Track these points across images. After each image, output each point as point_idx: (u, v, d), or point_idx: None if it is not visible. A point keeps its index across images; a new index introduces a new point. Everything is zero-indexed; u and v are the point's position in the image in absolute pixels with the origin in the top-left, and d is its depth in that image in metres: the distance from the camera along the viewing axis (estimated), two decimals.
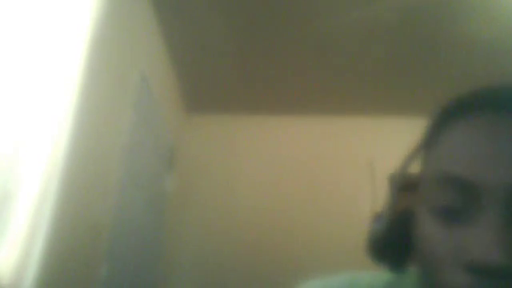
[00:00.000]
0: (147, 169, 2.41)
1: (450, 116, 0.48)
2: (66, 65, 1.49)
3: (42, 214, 1.35)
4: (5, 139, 1.20)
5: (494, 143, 0.43)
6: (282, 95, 3.01)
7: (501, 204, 0.41)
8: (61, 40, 1.46)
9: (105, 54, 1.77)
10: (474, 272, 0.40)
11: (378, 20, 2.32)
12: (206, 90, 3.00)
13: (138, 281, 2.33)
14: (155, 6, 2.29)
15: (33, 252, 1.31)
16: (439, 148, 0.47)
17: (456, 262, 0.42)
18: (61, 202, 1.43)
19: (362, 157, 3.00)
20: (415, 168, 0.54)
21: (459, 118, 0.47)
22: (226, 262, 2.81)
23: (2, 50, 1.19)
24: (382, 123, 3.09)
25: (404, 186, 0.55)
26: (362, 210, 2.86)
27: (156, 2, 2.27)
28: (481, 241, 0.40)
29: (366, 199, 2.92)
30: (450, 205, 0.43)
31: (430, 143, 0.49)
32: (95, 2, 1.68)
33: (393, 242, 0.53)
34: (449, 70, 2.68)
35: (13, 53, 1.23)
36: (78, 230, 1.58)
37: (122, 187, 2.00)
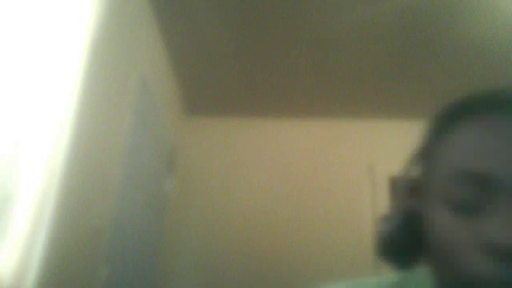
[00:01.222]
0: (147, 171, 2.42)
1: (456, 117, 0.51)
2: (66, 67, 1.49)
3: (42, 216, 1.35)
4: (5, 141, 1.20)
5: (503, 140, 0.46)
6: (282, 98, 3.02)
7: None
8: (61, 42, 1.46)
9: (105, 56, 1.77)
10: (494, 256, 0.44)
11: (379, 23, 2.32)
12: (206, 93, 3.00)
13: (138, 282, 2.33)
14: (155, 8, 2.30)
15: (33, 254, 1.31)
16: (450, 147, 0.50)
17: (476, 248, 0.45)
18: (61, 204, 1.43)
19: (362, 160, 3.00)
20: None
21: (467, 119, 0.50)
22: (226, 264, 2.81)
23: (2, 51, 1.19)
24: (383, 126, 3.10)
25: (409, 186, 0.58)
26: (362, 212, 2.86)
27: (156, 5, 2.28)
28: (500, 227, 0.43)
29: (366, 202, 2.92)
30: (468, 198, 0.46)
31: (436, 144, 0.52)
32: (95, 4, 1.68)
33: (402, 242, 0.56)
34: (450, 72, 2.68)
35: (13, 56, 1.23)
36: (79, 231, 1.58)
37: (122, 189, 2.00)
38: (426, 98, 2.94)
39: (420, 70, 2.70)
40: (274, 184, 3.02)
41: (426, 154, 0.54)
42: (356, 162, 3.01)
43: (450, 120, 0.52)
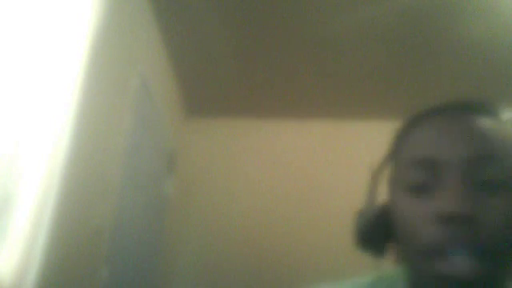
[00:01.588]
0: (147, 172, 2.42)
1: (416, 119, 0.63)
2: (66, 68, 1.50)
3: (42, 216, 1.35)
4: (5, 141, 1.20)
5: (450, 131, 0.57)
6: (282, 99, 3.02)
7: (459, 171, 0.54)
8: (61, 43, 1.46)
9: (105, 57, 1.77)
10: (443, 222, 0.52)
11: (379, 23, 2.32)
12: (206, 94, 3.00)
13: (138, 283, 2.33)
14: (155, 9, 2.30)
15: (33, 254, 1.31)
16: (409, 141, 0.61)
17: (430, 220, 0.54)
18: (61, 205, 1.43)
19: (363, 161, 3.00)
20: None
21: (424, 119, 0.62)
22: (226, 265, 2.81)
23: (3, 52, 1.19)
24: (384, 127, 3.09)
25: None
26: None
27: (156, 6, 2.28)
28: (446, 199, 0.53)
29: None
30: (421, 180, 0.56)
31: (400, 143, 0.63)
32: (95, 5, 1.68)
33: (374, 232, 0.64)
34: (449, 72, 2.69)
35: (13, 56, 1.23)
36: (79, 232, 1.58)
37: (121, 190, 2.00)
38: (427, 98, 2.93)
39: (420, 71, 2.71)
40: (274, 185, 3.02)
41: (393, 151, 0.64)
42: (356, 163, 3.00)
43: (410, 123, 0.64)
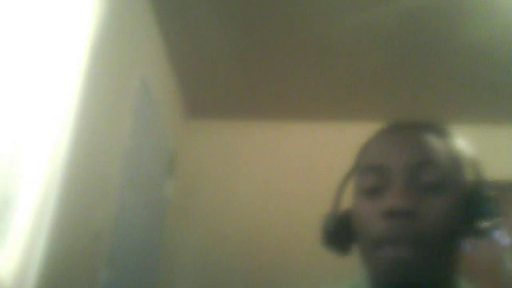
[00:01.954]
0: (147, 174, 2.42)
1: (374, 136, 0.74)
2: (66, 70, 1.50)
3: (42, 218, 1.35)
4: (6, 143, 1.21)
5: (397, 144, 0.68)
6: (282, 101, 3.02)
7: (403, 175, 0.65)
8: (61, 45, 1.47)
9: (105, 59, 1.78)
10: (388, 217, 0.62)
11: (380, 26, 2.33)
12: (206, 96, 3.01)
13: (138, 285, 2.33)
14: (156, 11, 2.30)
15: (33, 256, 1.31)
16: (366, 153, 0.72)
17: (378, 216, 0.64)
18: (61, 206, 1.43)
19: None
20: None
21: (379, 135, 0.73)
22: (227, 267, 2.81)
23: (3, 54, 1.20)
24: None
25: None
26: None
27: (157, 8, 2.29)
28: (391, 197, 0.63)
29: None
30: (373, 184, 0.67)
31: (361, 153, 0.74)
32: (95, 7, 1.69)
33: (338, 233, 0.74)
34: (448, 75, 2.69)
35: (14, 57, 1.23)
36: (79, 234, 1.58)
37: (122, 191, 2.00)
38: (426, 100, 2.94)
39: (420, 73, 2.71)
40: (274, 186, 3.02)
41: (356, 162, 0.75)
42: None
43: (369, 139, 0.74)
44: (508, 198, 3.02)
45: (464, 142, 0.73)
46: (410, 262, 0.61)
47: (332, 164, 3.11)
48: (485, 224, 0.65)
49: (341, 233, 0.73)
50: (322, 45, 2.49)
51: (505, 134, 3.10)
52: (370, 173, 0.68)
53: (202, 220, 2.97)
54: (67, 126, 1.49)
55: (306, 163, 3.08)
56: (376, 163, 0.68)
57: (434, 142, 0.68)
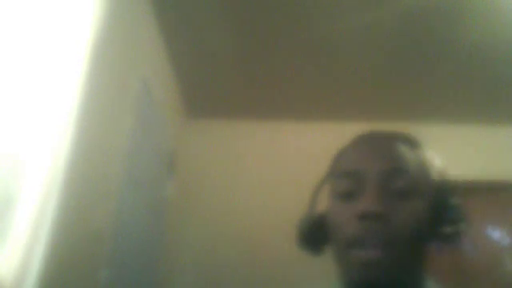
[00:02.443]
0: (148, 173, 2.42)
1: (345, 147, 0.79)
2: (67, 70, 1.50)
3: (43, 218, 1.36)
4: (7, 143, 1.21)
5: (371, 151, 0.73)
6: (283, 101, 3.02)
7: (376, 181, 0.69)
8: (62, 44, 1.47)
9: (106, 59, 1.78)
10: (361, 219, 0.66)
11: (380, 26, 2.33)
12: (207, 95, 3.01)
13: (139, 284, 2.33)
14: (157, 11, 2.30)
15: (34, 255, 1.31)
16: (341, 159, 0.77)
17: (352, 218, 0.68)
18: (62, 206, 1.43)
19: None
20: None
21: (353, 143, 0.78)
22: (227, 266, 2.81)
23: (3, 54, 1.20)
24: (384, 128, 3.09)
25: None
26: None
27: (157, 8, 2.29)
28: (365, 201, 0.67)
29: None
30: (348, 188, 0.71)
31: (336, 160, 0.79)
32: (96, 7, 1.69)
33: (312, 234, 0.78)
34: (449, 75, 2.69)
35: (15, 58, 1.24)
36: (80, 233, 1.59)
37: (122, 191, 2.00)
38: (426, 100, 2.94)
39: (420, 74, 2.71)
40: (274, 186, 3.02)
41: (331, 168, 0.80)
42: None
43: (344, 147, 0.79)
44: (507, 198, 3.02)
45: (432, 152, 0.78)
46: (381, 262, 0.64)
47: None
48: (449, 229, 0.69)
49: (315, 234, 0.78)
50: (322, 45, 2.49)
51: (505, 134, 3.10)
52: (345, 178, 0.72)
53: (202, 219, 2.97)
54: (68, 125, 1.49)
55: (306, 162, 3.08)
56: (351, 169, 0.72)
57: (405, 151, 0.73)
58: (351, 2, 2.20)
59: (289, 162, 3.09)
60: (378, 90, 2.86)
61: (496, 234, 2.85)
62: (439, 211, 0.70)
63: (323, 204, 0.77)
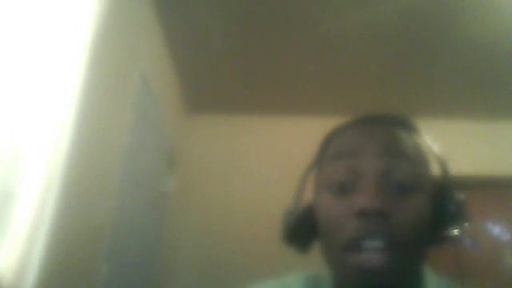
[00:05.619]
0: (148, 169, 2.42)
1: (340, 128, 0.72)
2: (66, 65, 1.50)
3: (43, 214, 1.36)
4: (5, 140, 1.20)
5: (368, 140, 0.64)
6: (283, 96, 3.02)
7: (374, 174, 0.61)
8: (61, 40, 1.46)
9: (105, 54, 1.77)
10: (360, 217, 0.59)
11: (381, 23, 2.32)
12: (207, 91, 3.00)
13: (139, 280, 2.33)
14: (156, 7, 2.30)
15: (34, 252, 1.31)
16: (333, 147, 0.68)
17: (348, 216, 0.60)
18: (62, 202, 1.43)
19: None
20: None
21: (347, 129, 0.70)
22: (227, 262, 2.82)
23: (3, 50, 1.19)
24: None
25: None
26: None
27: (157, 4, 2.28)
28: (364, 196, 0.59)
29: None
30: (342, 180, 0.63)
31: (326, 147, 0.71)
32: (96, 2, 1.68)
33: (299, 229, 0.70)
34: (450, 72, 2.68)
35: (14, 54, 1.23)
36: (79, 229, 1.59)
37: (122, 187, 2.00)
38: (428, 97, 2.93)
39: (421, 70, 2.70)
40: (275, 181, 3.02)
41: (319, 155, 0.72)
42: None
43: (334, 132, 0.72)
44: (508, 193, 3.02)
45: (430, 138, 0.71)
46: (383, 269, 0.58)
47: None
48: (451, 228, 0.64)
49: (302, 229, 0.70)
50: (323, 41, 2.48)
51: (506, 130, 3.09)
52: (338, 169, 0.64)
53: (202, 214, 2.97)
54: (68, 120, 1.49)
55: (306, 158, 3.07)
56: (346, 159, 0.64)
57: (406, 140, 0.65)
58: None
59: (289, 157, 3.09)
60: (379, 85, 2.86)
61: (496, 229, 2.85)
62: (442, 208, 0.64)
63: (310, 194, 0.70)
